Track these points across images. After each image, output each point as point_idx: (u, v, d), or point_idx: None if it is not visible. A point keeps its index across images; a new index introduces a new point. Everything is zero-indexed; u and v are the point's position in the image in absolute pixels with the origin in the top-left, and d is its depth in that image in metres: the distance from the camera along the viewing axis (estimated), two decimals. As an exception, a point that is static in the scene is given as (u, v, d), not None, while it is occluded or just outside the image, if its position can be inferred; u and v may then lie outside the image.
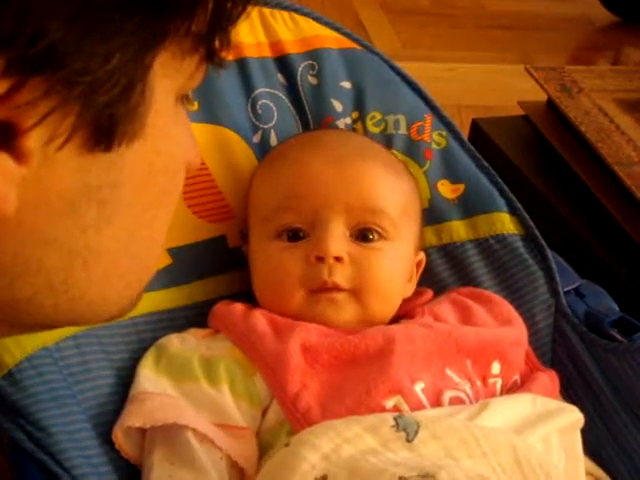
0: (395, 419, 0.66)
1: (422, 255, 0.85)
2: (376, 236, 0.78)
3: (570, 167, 1.16)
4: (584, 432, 0.77)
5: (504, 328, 0.81)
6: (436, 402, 0.72)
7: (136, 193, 0.44)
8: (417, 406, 0.71)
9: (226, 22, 0.44)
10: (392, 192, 0.80)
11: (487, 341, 0.78)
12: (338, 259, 0.76)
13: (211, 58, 0.45)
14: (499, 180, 0.92)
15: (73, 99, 0.38)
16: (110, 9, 0.37)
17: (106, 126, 0.40)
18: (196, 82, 0.47)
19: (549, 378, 0.81)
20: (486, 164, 0.93)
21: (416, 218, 0.83)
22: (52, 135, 0.38)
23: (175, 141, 0.46)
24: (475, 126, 1.28)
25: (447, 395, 0.73)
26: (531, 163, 1.22)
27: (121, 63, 0.39)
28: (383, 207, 0.78)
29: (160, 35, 0.41)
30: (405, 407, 0.70)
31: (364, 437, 0.65)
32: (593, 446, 0.81)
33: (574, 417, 0.76)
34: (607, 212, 1.09)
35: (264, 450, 0.71)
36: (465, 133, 1.21)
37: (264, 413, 0.72)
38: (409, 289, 0.83)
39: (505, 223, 0.90)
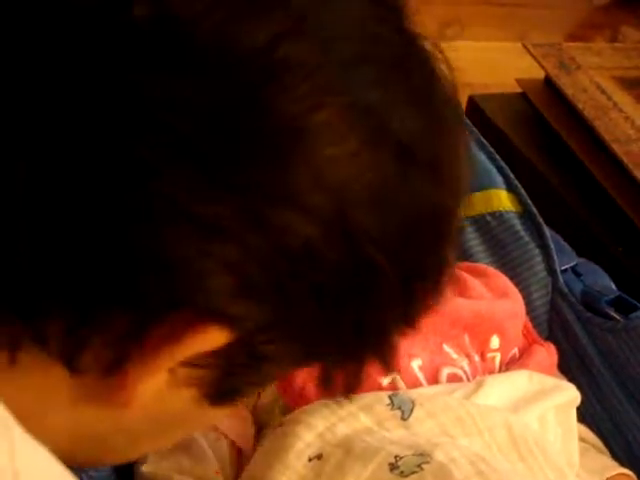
0: (390, 397, 0.66)
1: None
2: None
3: (567, 145, 1.16)
4: (579, 410, 0.77)
5: (501, 301, 0.81)
6: (433, 379, 0.72)
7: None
8: (414, 384, 0.70)
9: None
10: None
11: (483, 314, 0.78)
12: None
13: None
14: (497, 157, 0.91)
15: (233, 365, 0.40)
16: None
17: (234, 390, 0.42)
18: None
19: (547, 352, 0.80)
20: (484, 141, 0.92)
21: None
22: (196, 378, 0.39)
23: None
24: (472, 103, 1.27)
25: (444, 372, 0.73)
26: (528, 140, 1.21)
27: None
28: None
29: None
30: (402, 385, 0.70)
31: (359, 416, 0.65)
32: (588, 424, 0.81)
33: (571, 395, 0.76)
34: (604, 190, 1.08)
35: (259, 428, 0.70)
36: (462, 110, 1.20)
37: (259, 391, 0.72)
38: None
39: (502, 200, 0.89)
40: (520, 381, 0.74)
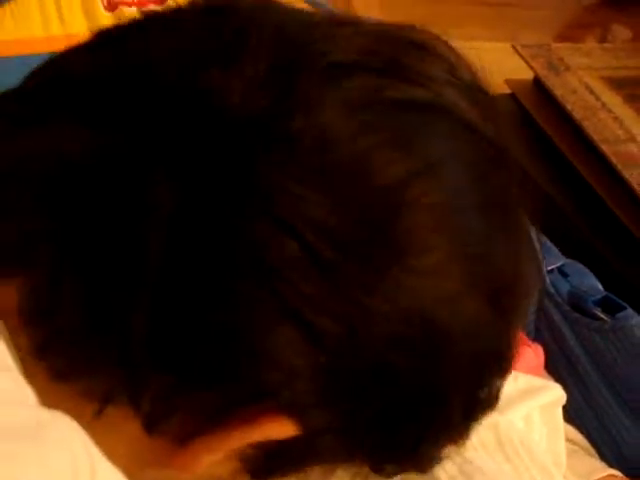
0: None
1: None
2: None
3: (556, 145, 1.16)
4: (566, 409, 0.77)
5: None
6: None
7: None
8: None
9: None
10: None
11: None
12: None
13: None
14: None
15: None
16: None
17: (276, 471, 0.43)
18: None
19: (534, 352, 0.81)
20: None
21: None
22: (250, 457, 0.41)
23: None
24: (461, 104, 1.27)
25: None
26: (517, 141, 1.21)
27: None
28: None
29: None
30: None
31: None
32: (575, 423, 0.81)
33: (556, 394, 0.76)
34: (593, 191, 1.08)
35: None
36: (451, 111, 1.20)
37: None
38: None
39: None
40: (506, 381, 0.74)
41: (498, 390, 0.44)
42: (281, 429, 0.38)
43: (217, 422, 0.38)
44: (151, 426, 0.39)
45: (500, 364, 0.43)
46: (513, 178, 0.43)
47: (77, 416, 0.34)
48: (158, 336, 0.36)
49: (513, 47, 1.30)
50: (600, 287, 0.88)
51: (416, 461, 0.45)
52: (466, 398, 0.41)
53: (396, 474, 0.45)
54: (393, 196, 0.37)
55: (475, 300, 0.39)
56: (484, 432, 0.67)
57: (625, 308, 0.84)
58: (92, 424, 0.38)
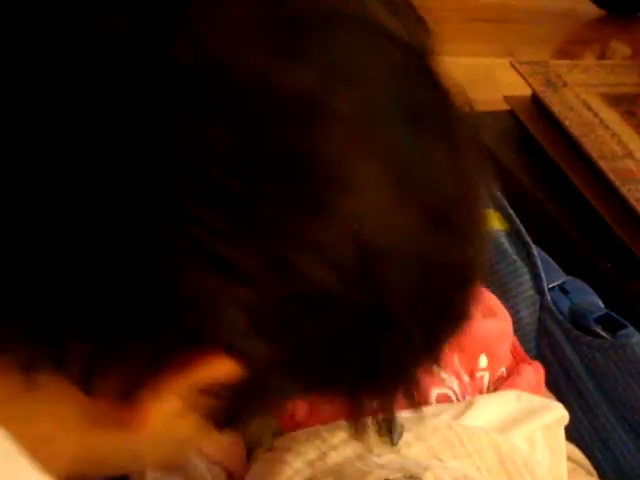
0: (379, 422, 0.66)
1: None
2: None
3: (554, 161, 1.16)
4: (567, 428, 0.77)
5: (489, 320, 0.81)
6: (423, 400, 0.72)
7: None
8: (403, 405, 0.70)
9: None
10: None
11: (471, 334, 0.78)
12: None
13: None
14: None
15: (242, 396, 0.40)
16: None
17: (241, 418, 0.42)
18: None
19: (534, 370, 0.81)
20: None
21: None
22: (206, 407, 0.40)
23: None
24: (460, 120, 1.28)
25: (434, 392, 0.73)
26: (516, 158, 1.21)
27: None
28: None
29: None
30: (390, 406, 0.70)
31: (350, 443, 0.65)
32: (576, 441, 0.81)
33: (559, 414, 0.76)
34: (592, 207, 1.09)
35: (249, 450, 0.70)
36: (450, 127, 1.20)
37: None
38: None
39: (489, 219, 0.89)
40: (509, 401, 0.74)
41: (463, 306, 0.43)
42: (224, 369, 0.37)
43: (155, 371, 0.37)
44: (87, 388, 0.38)
45: (455, 279, 0.41)
46: (443, 88, 0.40)
47: (9, 389, 0.35)
48: (69, 292, 0.35)
49: (511, 64, 1.30)
50: (601, 304, 0.88)
51: (385, 388, 0.43)
52: (422, 315, 0.39)
53: (377, 408, 0.44)
54: (303, 112, 0.35)
55: (410, 213, 0.37)
56: (486, 452, 0.67)
57: (626, 326, 0.84)
58: (37, 398, 0.38)
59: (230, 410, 0.41)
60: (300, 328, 0.37)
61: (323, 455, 0.64)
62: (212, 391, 0.39)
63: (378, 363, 0.40)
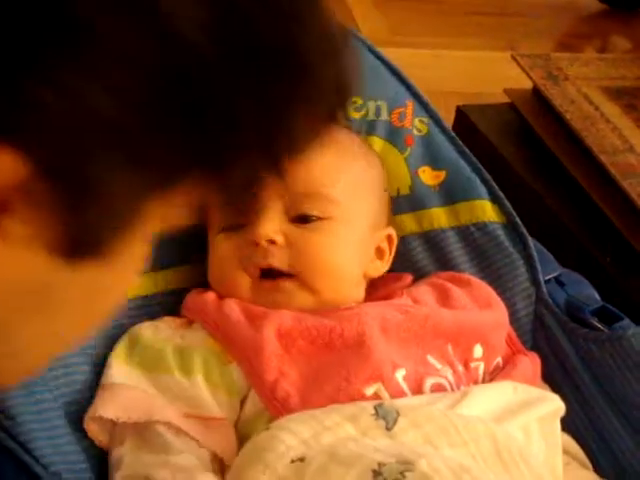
0: (375, 407, 0.66)
1: (390, 230, 0.84)
2: (315, 217, 0.77)
3: (555, 155, 1.16)
4: (563, 420, 0.77)
5: (484, 311, 0.81)
6: (417, 389, 0.72)
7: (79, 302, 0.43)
8: (398, 394, 0.70)
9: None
10: (335, 173, 0.79)
11: (466, 325, 0.78)
12: (272, 242, 0.75)
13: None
14: (481, 167, 0.91)
15: (68, 207, 0.36)
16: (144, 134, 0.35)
17: (87, 241, 0.38)
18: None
19: (531, 361, 0.80)
20: (468, 151, 0.92)
21: (372, 196, 0.82)
22: (31, 229, 0.36)
23: (134, 269, 0.44)
24: (460, 113, 1.27)
25: (428, 382, 0.73)
26: (516, 151, 1.21)
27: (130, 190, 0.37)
28: (321, 190, 0.77)
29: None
30: (385, 395, 0.70)
31: (344, 426, 0.65)
32: (572, 434, 0.81)
33: (554, 406, 0.76)
34: (592, 201, 1.08)
35: (243, 441, 0.70)
36: (450, 120, 1.20)
37: (242, 403, 0.72)
38: (379, 267, 0.82)
39: (486, 211, 0.89)
40: (505, 392, 0.74)
41: (295, 100, 0.38)
42: (3, 168, 0.33)
43: None
44: None
45: (279, 59, 0.37)
46: None
47: None
48: None
49: (512, 57, 1.29)
50: (597, 297, 0.88)
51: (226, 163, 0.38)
52: (247, 91, 0.36)
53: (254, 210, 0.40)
54: None
55: None
56: (482, 442, 0.66)
57: (622, 318, 0.83)
58: None
59: (66, 229, 0.36)
60: (92, 95, 0.33)
61: (317, 435, 0.64)
62: (14, 205, 0.34)
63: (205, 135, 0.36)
